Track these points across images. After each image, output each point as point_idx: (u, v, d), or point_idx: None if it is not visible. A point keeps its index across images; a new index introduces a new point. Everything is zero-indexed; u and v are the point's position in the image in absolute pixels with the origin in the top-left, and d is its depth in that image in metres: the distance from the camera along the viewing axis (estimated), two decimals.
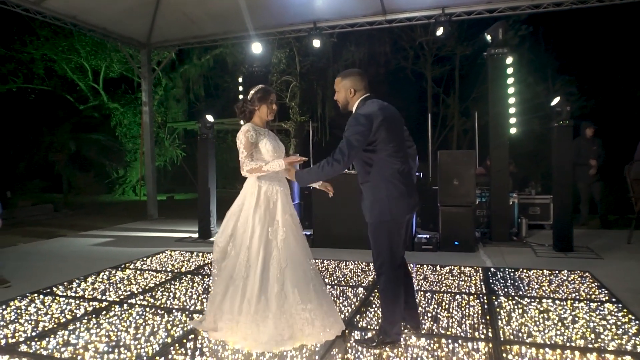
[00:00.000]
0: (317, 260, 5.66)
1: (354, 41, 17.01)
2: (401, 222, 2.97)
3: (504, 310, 3.71)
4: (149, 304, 4.06)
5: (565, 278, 4.68)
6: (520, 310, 3.71)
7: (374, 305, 3.90)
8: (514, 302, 3.93)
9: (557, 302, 3.90)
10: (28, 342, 3.24)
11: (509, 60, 6.39)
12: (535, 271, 4.94)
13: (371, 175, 2.91)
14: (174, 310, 3.86)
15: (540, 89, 15.91)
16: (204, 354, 3.00)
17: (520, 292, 4.21)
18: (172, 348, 3.09)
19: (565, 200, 5.83)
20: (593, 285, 4.39)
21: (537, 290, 4.26)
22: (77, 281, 4.87)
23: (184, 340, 3.22)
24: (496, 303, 3.90)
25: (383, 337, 3.02)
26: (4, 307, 4.04)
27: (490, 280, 4.61)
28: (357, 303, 3.99)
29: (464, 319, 3.53)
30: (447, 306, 3.85)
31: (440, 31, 7.64)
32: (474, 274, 4.92)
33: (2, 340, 3.30)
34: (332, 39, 15.23)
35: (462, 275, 4.89)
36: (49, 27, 12.85)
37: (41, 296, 4.35)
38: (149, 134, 9.95)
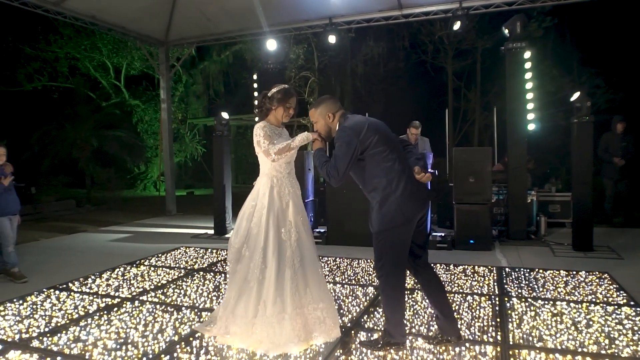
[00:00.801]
0: (329, 258, 5.66)
1: (373, 36, 16.86)
2: (413, 223, 2.91)
3: (516, 313, 3.62)
4: (160, 301, 4.11)
5: (582, 279, 4.54)
6: (533, 313, 3.61)
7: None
8: (526, 304, 3.83)
9: (571, 304, 3.78)
10: (40, 338, 3.32)
11: (527, 54, 6.20)
12: (551, 272, 4.81)
13: (376, 181, 2.84)
14: (183, 308, 3.90)
15: (565, 82, 15.47)
16: (209, 353, 3.02)
17: (534, 294, 4.10)
18: (178, 346, 3.13)
19: (585, 198, 5.65)
20: (611, 287, 4.25)
21: (552, 292, 4.14)
22: (93, 277, 4.97)
23: (191, 339, 3.25)
24: (508, 305, 3.81)
25: (388, 339, 2.98)
26: (20, 302, 4.15)
27: (504, 281, 4.51)
28: (365, 303, 3.95)
29: (473, 321, 3.46)
30: (457, 307, 3.78)
31: (457, 25, 7.48)
32: (488, 273, 4.82)
33: (17, 335, 3.40)
34: (350, 34, 15.17)
35: (475, 275, 4.79)
36: (71, 27, 13.11)
37: (57, 292, 4.46)
38: (167, 131, 10.08)
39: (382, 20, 8.28)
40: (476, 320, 3.49)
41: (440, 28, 15.97)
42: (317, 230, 6.85)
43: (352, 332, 3.30)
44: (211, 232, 7.67)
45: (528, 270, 4.88)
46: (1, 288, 4.65)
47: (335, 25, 8.45)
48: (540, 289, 4.24)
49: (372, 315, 3.64)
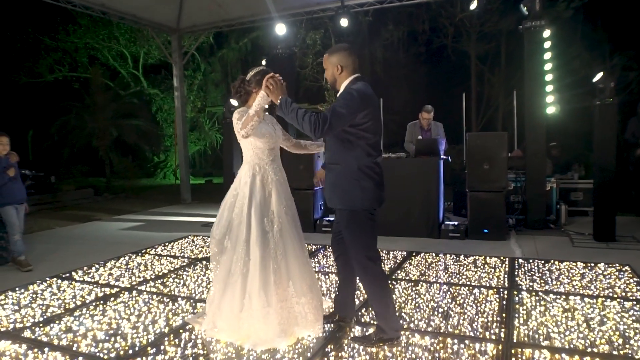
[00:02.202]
0: None
1: (393, 19, 16.42)
2: (372, 214, 2.80)
3: (524, 308, 3.40)
4: (158, 291, 4.05)
5: (600, 272, 4.26)
6: (542, 308, 3.39)
7: None
8: (536, 298, 3.60)
9: (586, 299, 3.54)
10: (33, 328, 3.30)
11: (547, 33, 5.83)
12: (567, 263, 4.54)
13: (346, 159, 2.71)
14: (179, 299, 3.83)
15: (596, 64, 14.72)
16: (197, 346, 2.94)
17: (546, 287, 3.86)
18: (166, 339, 3.05)
19: (607, 185, 5.32)
20: (632, 280, 3.96)
21: (566, 285, 3.89)
22: (97, 266, 4.97)
23: (181, 331, 3.17)
24: (517, 299, 3.59)
25: (381, 335, 2.84)
26: (22, 291, 4.16)
27: (516, 273, 4.28)
28: (364, 295, 3.79)
29: (477, 316, 3.27)
30: (461, 301, 3.58)
31: (474, 5, 7.12)
32: (499, 265, 4.59)
33: (11, 325, 3.39)
34: (367, 18, 14.81)
35: (485, 266, 4.57)
36: (88, 16, 13.21)
37: (59, 281, 4.46)
38: (180, 119, 10.06)
39: (396, 1, 7.97)
40: (480, 315, 3.29)
41: (461, 10, 15.40)
42: (327, 219, 6.69)
43: (347, 328, 3.15)
44: None
45: (543, 262, 4.63)
46: (6, 276, 4.69)
47: (348, 7, 8.18)
48: (554, 282, 3.99)
49: (370, 309, 3.48)
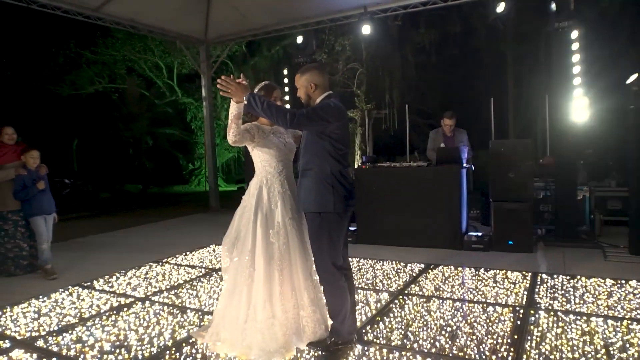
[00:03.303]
0: (353, 259, 5.42)
1: (424, 23, 16.15)
2: (344, 218, 2.85)
3: (539, 329, 3.21)
4: (170, 303, 4.11)
5: (631, 290, 3.97)
6: (559, 330, 3.18)
7: (391, 315, 3.59)
8: (554, 318, 3.39)
9: (609, 321, 3.30)
10: (47, 337, 3.41)
11: (575, 34, 5.54)
12: (595, 280, 4.27)
13: (321, 164, 2.80)
14: (188, 311, 3.87)
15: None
16: None
17: (568, 306, 3.64)
18: (168, 352, 3.07)
19: None
20: None
21: (590, 305, 3.65)
22: (117, 275, 5.10)
23: (183, 344, 3.19)
24: (532, 319, 3.40)
25: (335, 339, 2.86)
26: (44, 299, 4.33)
27: (536, 289, 4.06)
28: (373, 311, 3.70)
29: (486, 337, 3.11)
30: (473, 320, 3.43)
31: (501, 7, 6.87)
32: (521, 280, 4.37)
33: (28, 333, 3.52)
34: (396, 22, 14.63)
35: (505, 281, 4.36)
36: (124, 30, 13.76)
37: (80, 289, 4.61)
38: (209, 128, 10.25)
39: (420, 6, 7.82)
40: (490, 336, 3.13)
41: (493, 12, 14.90)
42: (350, 229, 6.60)
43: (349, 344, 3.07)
44: None
45: (568, 277, 4.37)
46: (33, 284, 4.89)
47: (371, 14, 8.10)
48: (577, 301, 3.75)
49: (376, 326, 3.38)
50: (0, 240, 5.23)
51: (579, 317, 3.39)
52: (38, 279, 5.08)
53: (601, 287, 4.07)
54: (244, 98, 2.66)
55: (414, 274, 4.72)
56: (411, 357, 2.87)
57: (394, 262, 5.21)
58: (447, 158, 5.92)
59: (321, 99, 2.84)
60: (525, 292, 4.00)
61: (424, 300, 3.90)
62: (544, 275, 4.47)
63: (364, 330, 3.31)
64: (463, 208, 5.84)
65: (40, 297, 4.39)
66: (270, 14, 8.63)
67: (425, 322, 3.42)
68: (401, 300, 3.92)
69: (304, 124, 2.70)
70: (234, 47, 15.86)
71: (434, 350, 2.96)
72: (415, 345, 3.04)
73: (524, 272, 4.58)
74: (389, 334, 3.23)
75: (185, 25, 9.05)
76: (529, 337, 3.08)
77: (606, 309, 3.56)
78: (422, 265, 5.02)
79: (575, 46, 5.54)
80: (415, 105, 18.46)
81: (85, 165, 14.71)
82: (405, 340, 3.11)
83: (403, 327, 3.34)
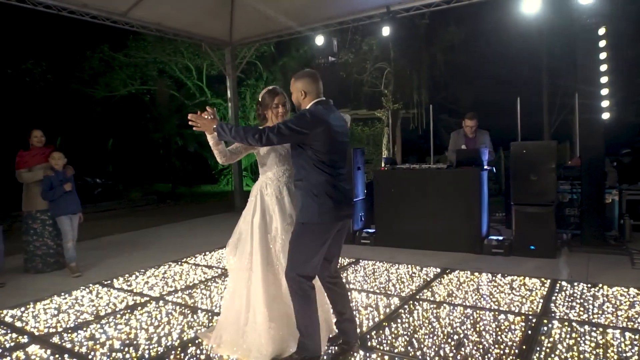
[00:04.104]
0: (369, 262, 5.39)
1: (454, 20, 15.81)
2: (327, 230, 2.79)
3: (550, 340, 3.09)
4: (182, 302, 4.19)
5: None
6: (572, 341, 3.05)
7: (398, 321, 3.54)
8: (568, 329, 3.26)
9: (627, 334, 3.14)
10: (62, 334, 3.55)
11: (602, 31, 5.29)
12: (618, 289, 4.07)
13: (308, 175, 2.78)
14: (199, 311, 3.94)
15: None
16: None
17: (584, 316, 3.48)
18: (173, 352, 3.14)
19: None
20: None
21: (608, 316, 3.49)
22: (137, 274, 5.25)
23: (189, 345, 3.25)
24: (544, 329, 3.27)
25: (301, 353, 2.80)
26: (65, 296, 4.50)
27: (553, 297, 3.91)
28: (381, 316, 3.66)
29: (493, 347, 3.02)
30: (482, 328, 3.33)
31: (528, 5, 6.63)
32: (538, 287, 4.22)
33: (45, 329, 3.66)
34: (423, 21, 14.41)
35: (522, 288, 4.22)
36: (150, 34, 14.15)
37: (99, 287, 4.77)
38: None
39: (443, 4, 7.66)
40: (497, 345, 3.04)
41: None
42: (366, 230, 6.57)
43: (350, 351, 3.04)
44: None
45: (589, 285, 4.19)
46: (57, 281, 5.09)
47: (394, 13, 8.01)
48: (595, 311, 3.59)
49: (381, 332, 3.34)
50: (29, 239, 5.47)
51: (594, 329, 3.24)
52: (63, 276, 5.28)
53: (623, 297, 3.87)
54: (214, 129, 2.80)
55: (429, 279, 4.63)
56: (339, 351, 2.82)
57: (409, 266, 5.14)
58: (467, 160, 5.79)
59: (309, 107, 2.83)
60: (542, 300, 3.86)
61: (435, 306, 3.83)
62: (563, 283, 4.30)
63: (368, 336, 3.28)
64: (483, 211, 5.69)
65: (62, 294, 4.57)
66: (293, 16, 8.65)
67: (432, 329, 3.35)
68: (411, 306, 3.85)
69: (274, 141, 2.70)
70: (262, 48, 16.01)
71: (437, 358, 2.90)
72: (419, 353, 2.99)
73: (542, 279, 4.42)
74: (394, 340, 3.19)
75: (210, 28, 9.21)
76: (538, 348, 2.97)
77: (625, 320, 3.39)
78: (438, 270, 4.93)
79: (602, 43, 5.30)
80: (447, 104, 18.15)
81: (118, 165, 15.21)
82: (409, 348, 3.06)
83: (409, 333, 3.29)
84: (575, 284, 4.26)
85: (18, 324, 3.81)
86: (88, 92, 15.18)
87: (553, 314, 3.55)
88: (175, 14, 8.23)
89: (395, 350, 3.03)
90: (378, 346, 3.11)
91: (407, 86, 16.07)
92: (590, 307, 3.68)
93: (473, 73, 17.26)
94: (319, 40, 7.87)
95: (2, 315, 4.03)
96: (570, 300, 3.85)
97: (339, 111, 2.95)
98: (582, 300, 3.83)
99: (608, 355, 2.85)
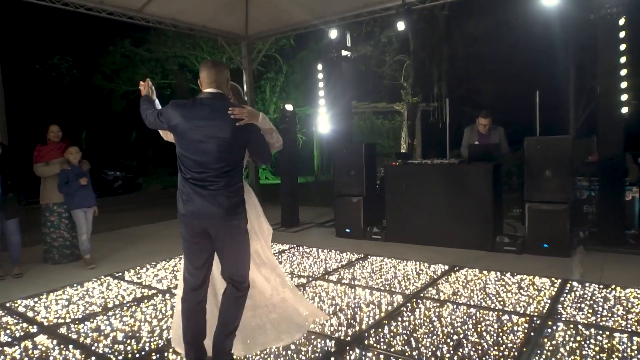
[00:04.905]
0: (377, 258, 5.35)
1: (475, 12, 15.44)
2: (184, 233, 2.73)
3: (553, 343, 3.00)
4: None
5: None
6: (575, 345, 2.96)
7: (399, 319, 3.50)
8: (574, 331, 3.16)
9: (634, 338, 3.02)
10: (69, 325, 3.65)
11: (622, 21, 5.07)
12: (632, 290, 3.92)
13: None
14: None
15: None
16: None
17: (592, 319, 3.37)
18: (172, 346, 3.18)
19: None
20: None
21: (617, 319, 3.37)
22: (148, 267, 5.35)
23: None
24: (549, 331, 3.19)
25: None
26: (77, 288, 4.62)
27: (562, 298, 3.80)
28: (382, 314, 3.63)
29: (492, 349, 2.96)
30: (483, 328, 3.27)
31: None
32: (548, 287, 4.11)
33: (55, 320, 3.77)
34: (443, 12, 14.12)
35: (530, 287, 4.12)
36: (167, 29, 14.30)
37: (110, 279, 4.88)
38: None
39: None
40: (496, 347, 2.97)
41: None
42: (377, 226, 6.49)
43: (347, 349, 3.03)
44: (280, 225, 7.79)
45: (601, 287, 4.05)
46: (72, 272, 5.24)
47: (409, 5, 7.86)
48: (604, 313, 3.47)
49: (380, 330, 3.31)
50: (47, 230, 5.64)
51: (601, 332, 3.14)
52: (78, 268, 5.43)
53: (636, 300, 3.74)
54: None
55: (435, 276, 4.57)
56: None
57: (417, 263, 5.08)
58: (479, 155, 5.67)
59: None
60: (549, 301, 3.75)
61: (438, 305, 3.77)
62: (574, 283, 4.17)
63: (366, 334, 3.25)
64: (496, 207, 5.56)
65: (75, 285, 4.70)
66: (308, 9, 8.60)
67: (432, 329, 3.30)
68: (414, 304, 3.81)
69: (146, 123, 2.82)
70: (282, 41, 16.00)
71: (433, 358, 2.86)
72: (415, 352, 2.95)
73: (553, 279, 4.30)
74: (392, 339, 3.16)
75: (226, 22, 9.23)
76: (539, 351, 2.89)
77: (635, 324, 3.27)
78: (446, 267, 4.86)
79: (622, 34, 5.08)
80: (469, 97, 17.77)
81: (140, 157, 15.51)
82: (406, 347, 3.03)
83: (408, 332, 3.25)
84: (587, 284, 4.13)
85: (30, 314, 3.94)
86: (111, 86, 15.49)
87: (559, 316, 3.45)
88: (190, 8, 8.28)
89: (392, 350, 3.00)
90: (375, 344, 3.09)
91: (427, 79, 15.82)
92: (600, 309, 3.56)
93: (495, 65, 16.83)
94: (333, 33, 7.78)
95: (16, 305, 4.17)
96: (579, 301, 3.74)
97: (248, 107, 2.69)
98: (591, 302, 3.71)
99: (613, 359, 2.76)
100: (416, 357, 2.89)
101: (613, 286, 4.04)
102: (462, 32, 15.57)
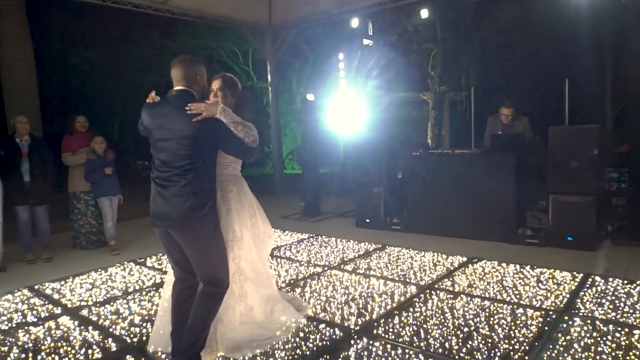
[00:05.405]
0: (394, 249, 5.31)
1: None
2: (157, 232, 2.69)
3: (567, 338, 2.92)
4: None
5: None
6: (591, 340, 2.87)
7: (410, 310, 3.48)
8: (590, 327, 3.06)
9: None
10: (91, 307, 3.79)
11: None
12: None
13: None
14: None
15: None
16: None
17: (611, 315, 3.26)
18: None
19: None
20: None
21: (639, 315, 3.24)
22: None
23: None
24: (564, 326, 3.10)
25: None
26: (101, 272, 4.80)
27: (582, 294, 3.68)
28: (393, 305, 3.61)
29: (502, 342, 2.90)
30: (495, 321, 3.21)
31: None
32: (568, 281, 3.99)
33: (78, 302, 3.93)
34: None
35: (550, 281, 4.01)
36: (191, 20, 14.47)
37: (133, 265, 5.04)
38: (275, 112, 10.51)
39: None
40: (507, 341, 2.91)
41: None
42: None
43: (354, 337, 3.04)
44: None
45: (625, 282, 3.90)
46: (98, 258, 5.43)
47: None
48: (626, 309, 3.35)
49: (390, 320, 3.30)
50: (75, 218, 5.86)
51: (619, 328, 3.02)
52: (104, 254, 5.62)
53: None
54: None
55: (452, 268, 4.50)
56: (413, 355, 2.77)
57: (435, 254, 5.01)
58: (502, 145, 5.53)
59: None
60: (568, 295, 3.64)
61: (451, 296, 3.72)
62: (597, 278, 4.03)
63: (375, 324, 3.25)
64: (518, 198, 5.42)
65: (99, 270, 4.87)
66: None
67: (442, 320, 3.27)
68: (427, 295, 3.77)
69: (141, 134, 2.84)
70: (309, 31, 15.94)
71: (440, 350, 2.83)
72: (423, 343, 2.93)
73: (574, 273, 4.17)
74: (401, 329, 3.14)
75: (250, 12, 9.27)
76: (551, 346, 2.82)
77: None
78: (464, 259, 4.78)
79: None
80: (501, 87, 17.27)
81: None
82: (414, 338, 3.01)
83: (418, 323, 3.23)
84: (611, 279, 3.98)
85: (55, 296, 4.12)
86: (141, 78, 15.85)
87: (576, 311, 3.35)
88: (214, 0, 8.36)
89: (400, 340, 2.99)
90: (383, 334, 3.08)
91: (455, 68, 15.47)
92: (622, 305, 3.43)
93: (525, 53, 16.27)
94: (354, 22, 7.71)
95: (44, 287, 4.37)
96: (600, 296, 3.61)
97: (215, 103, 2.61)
98: (613, 297, 3.58)
99: (628, 358, 2.66)
100: (424, 347, 2.87)
101: (638, 282, 3.88)
102: (492, 20, 15.09)
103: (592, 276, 4.07)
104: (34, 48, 8.93)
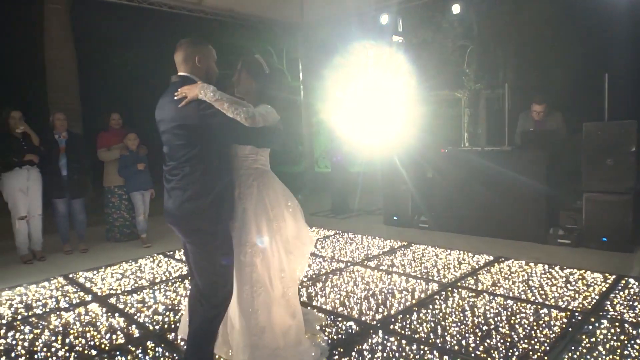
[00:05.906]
0: (419, 246, 5.25)
1: None
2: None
3: (592, 340, 2.80)
4: None
5: None
6: (617, 343, 2.75)
7: (430, 307, 3.43)
8: (618, 330, 2.93)
9: None
10: (119, 296, 3.95)
11: None
12: None
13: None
14: None
15: None
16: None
17: None
18: None
19: None
20: None
21: None
22: None
23: None
24: (589, 327, 2.97)
25: None
26: (132, 263, 4.98)
27: (612, 295, 3.52)
28: (413, 301, 3.57)
29: (522, 342, 2.82)
30: (516, 321, 3.12)
31: None
32: (599, 282, 3.82)
33: (107, 291, 4.10)
34: None
35: (579, 282, 3.85)
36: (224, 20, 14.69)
37: (162, 257, 5.20)
38: (306, 110, 10.58)
39: None
40: (527, 340, 2.83)
41: None
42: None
43: (370, 332, 3.03)
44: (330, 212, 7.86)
45: None
46: (129, 250, 5.64)
47: None
48: None
49: (408, 316, 3.27)
50: (109, 211, 6.10)
51: None
52: (136, 246, 5.83)
53: None
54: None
55: (477, 267, 4.41)
56: (428, 352, 2.73)
57: (461, 252, 4.92)
58: (533, 142, 5.35)
59: None
60: (597, 297, 3.49)
61: (473, 294, 3.64)
62: (630, 280, 3.84)
63: (393, 319, 3.23)
64: (551, 197, 5.23)
65: (130, 261, 5.06)
66: None
67: (461, 318, 3.20)
68: (448, 293, 3.71)
69: None
70: (340, 28, 15.92)
71: (456, 347, 2.78)
72: (439, 340, 2.88)
73: (607, 274, 3.99)
74: (418, 326, 3.11)
75: (281, 11, 9.34)
76: (573, 347, 2.71)
77: None
78: (491, 258, 4.66)
79: None
80: (540, 84, 16.68)
81: None
82: (431, 334, 2.97)
83: (436, 320, 3.18)
84: None
85: (88, 284, 4.31)
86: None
87: (605, 313, 3.20)
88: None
89: (416, 336, 2.95)
90: (400, 330, 3.06)
91: (492, 64, 15.04)
92: None
93: (564, 49, 15.61)
94: (384, 19, 7.64)
95: (77, 276, 4.58)
96: (632, 299, 3.44)
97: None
98: None
99: None
100: (439, 344, 2.83)
101: None
102: (529, 14, 14.57)
103: (626, 278, 3.89)
104: (76, 49, 9.33)
